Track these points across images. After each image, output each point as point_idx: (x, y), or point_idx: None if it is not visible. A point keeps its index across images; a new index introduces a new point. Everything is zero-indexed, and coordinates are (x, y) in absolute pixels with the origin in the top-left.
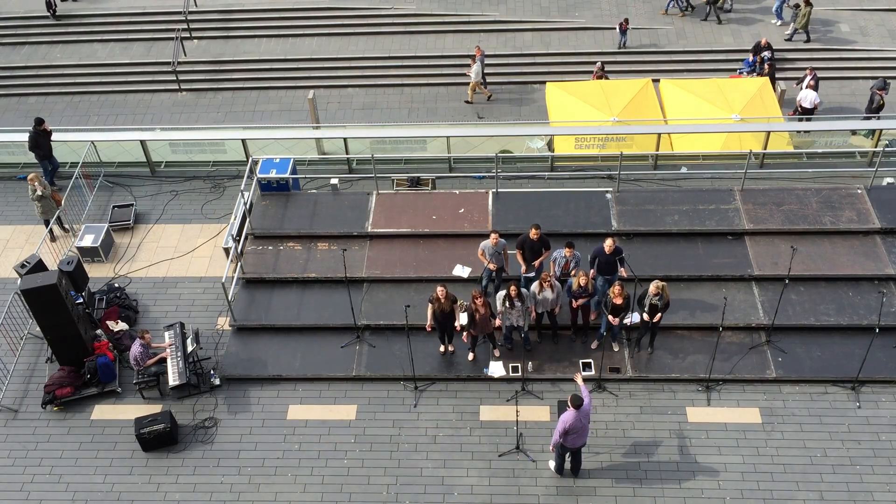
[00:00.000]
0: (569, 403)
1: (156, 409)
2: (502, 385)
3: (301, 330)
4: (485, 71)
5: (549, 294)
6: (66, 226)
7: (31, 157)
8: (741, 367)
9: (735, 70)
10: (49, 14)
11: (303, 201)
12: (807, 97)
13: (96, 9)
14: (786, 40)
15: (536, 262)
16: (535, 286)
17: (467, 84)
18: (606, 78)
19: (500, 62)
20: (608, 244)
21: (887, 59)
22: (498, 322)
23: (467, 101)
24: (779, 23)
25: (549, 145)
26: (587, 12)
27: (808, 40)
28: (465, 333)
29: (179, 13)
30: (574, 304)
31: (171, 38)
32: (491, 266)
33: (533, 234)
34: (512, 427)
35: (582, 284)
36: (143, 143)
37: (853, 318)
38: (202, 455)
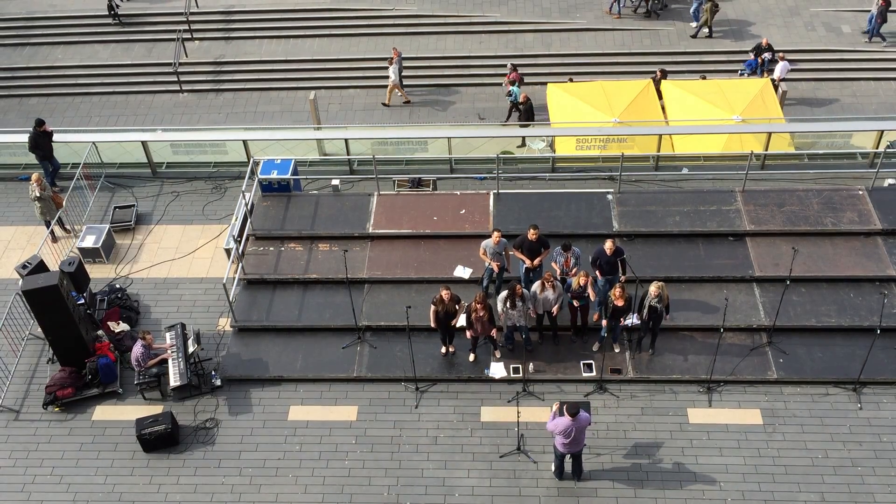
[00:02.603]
0: (564, 410)
1: (157, 409)
2: (503, 386)
3: (302, 331)
4: (402, 73)
5: (550, 294)
6: (68, 227)
7: (32, 158)
8: (742, 368)
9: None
10: (110, 16)
11: (304, 202)
12: (784, 68)
13: (156, 8)
14: (691, 37)
15: (536, 261)
16: (536, 286)
17: (470, 85)
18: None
19: (501, 63)
20: (608, 246)
21: (889, 60)
22: (494, 332)
23: (384, 104)
24: (694, 24)
25: (551, 146)
26: (588, 13)
27: (709, 36)
28: (468, 332)
29: (181, 14)
30: (576, 304)
31: (173, 39)
32: (493, 265)
33: (531, 234)
34: (513, 428)
35: (581, 284)
36: (144, 143)
37: (854, 320)
38: (203, 456)
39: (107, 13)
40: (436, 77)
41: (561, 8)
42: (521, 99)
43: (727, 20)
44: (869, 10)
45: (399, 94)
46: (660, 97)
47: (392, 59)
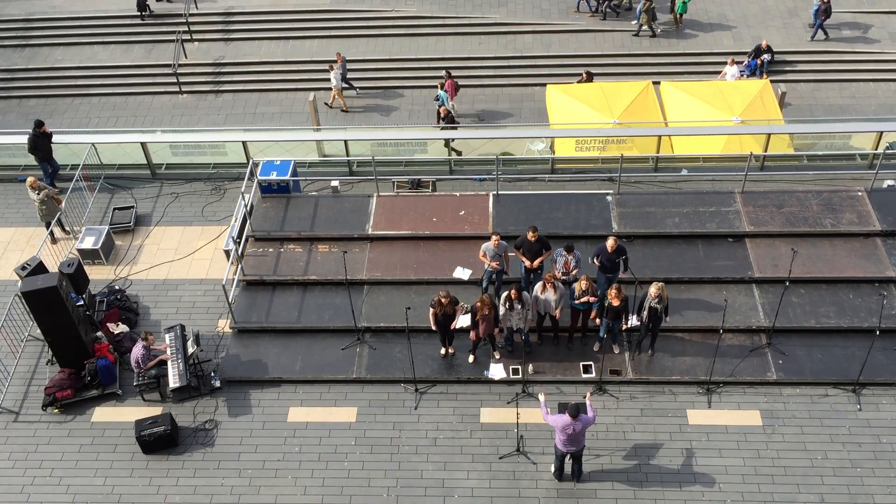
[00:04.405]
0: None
1: (156, 411)
2: (503, 387)
3: (301, 332)
4: (348, 76)
5: (551, 295)
6: (67, 228)
7: (32, 159)
8: (742, 370)
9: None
10: (140, 16)
11: (303, 203)
12: (734, 73)
13: (182, 8)
14: (633, 35)
15: (536, 262)
16: (538, 286)
17: (469, 87)
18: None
19: (501, 64)
20: (610, 243)
21: (889, 61)
22: (496, 332)
23: (327, 104)
24: (634, 22)
25: (550, 147)
26: (587, 15)
27: (653, 36)
28: (472, 333)
29: (180, 15)
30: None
31: (172, 41)
32: (492, 266)
33: (531, 236)
34: (512, 429)
35: (584, 288)
36: (143, 145)
37: (854, 321)
38: (202, 457)
39: (137, 11)
40: (435, 78)
41: (560, 9)
42: (441, 113)
43: (726, 22)
44: (868, 12)
45: (339, 100)
46: None
47: (335, 62)
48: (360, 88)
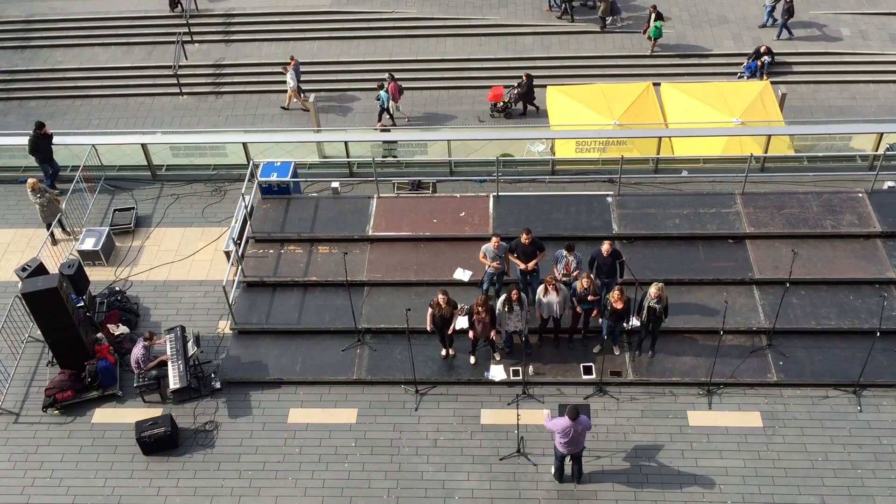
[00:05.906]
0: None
1: (156, 412)
2: (503, 389)
3: (302, 333)
4: (301, 79)
5: (554, 297)
6: (68, 229)
7: (32, 161)
8: (742, 371)
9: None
10: (170, 9)
11: (304, 205)
12: None
13: (222, 9)
14: (601, 27)
15: (531, 264)
16: (540, 290)
17: (473, 88)
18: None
19: (502, 66)
20: (605, 248)
21: (888, 62)
22: (494, 334)
23: (284, 108)
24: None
25: (551, 149)
26: (588, 16)
27: (603, 28)
28: (469, 332)
29: (181, 17)
30: (578, 310)
31: (173, 42)
32: (493, 266)
33: (524, 238)
34: (513, 431)
35: (586, 286)
36: (144, 146)
37: (854, 322)
38: (203, 459)
39: (168, 4)
40: (435, 80)
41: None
42: (378, 127)
43: (726, 23)
44: (868, 14)
45: (297, 101)
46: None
47: (289, 65)
48: (306, 92)
